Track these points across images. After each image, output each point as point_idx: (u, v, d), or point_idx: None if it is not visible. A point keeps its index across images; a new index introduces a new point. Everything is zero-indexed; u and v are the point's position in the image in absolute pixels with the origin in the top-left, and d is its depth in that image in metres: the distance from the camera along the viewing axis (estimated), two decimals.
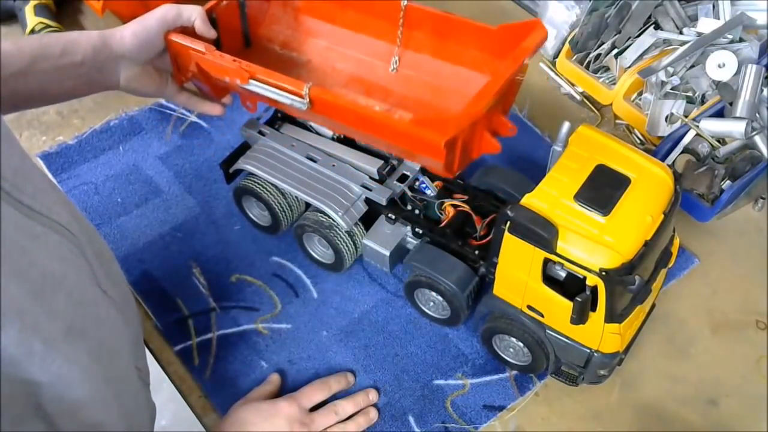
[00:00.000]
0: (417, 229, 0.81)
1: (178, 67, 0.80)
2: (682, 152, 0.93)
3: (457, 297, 0.77)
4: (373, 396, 0.77)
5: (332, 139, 0.87)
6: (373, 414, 0.76)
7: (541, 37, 0.74)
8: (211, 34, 0.79)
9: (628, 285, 0.64)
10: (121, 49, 0.75)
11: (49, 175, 0.95)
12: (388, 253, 0.81)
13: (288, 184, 0.83)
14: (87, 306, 0.49)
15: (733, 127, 0.90)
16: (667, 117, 0.96)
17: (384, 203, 0.81)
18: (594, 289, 0.65)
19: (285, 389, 0.78)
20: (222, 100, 0.86)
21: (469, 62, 0.82)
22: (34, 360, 0.42)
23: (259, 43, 0.90)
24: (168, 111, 1.02)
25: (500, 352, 0.79)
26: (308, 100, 0.72)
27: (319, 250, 0.86)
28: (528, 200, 0.67)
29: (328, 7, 0.88)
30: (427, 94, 0.84)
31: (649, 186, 0.67)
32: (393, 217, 0.82)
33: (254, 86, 0.74)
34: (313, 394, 0.76)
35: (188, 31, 0.78)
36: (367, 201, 0.82)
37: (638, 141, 1.00)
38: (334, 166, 0.84)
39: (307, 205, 0.85)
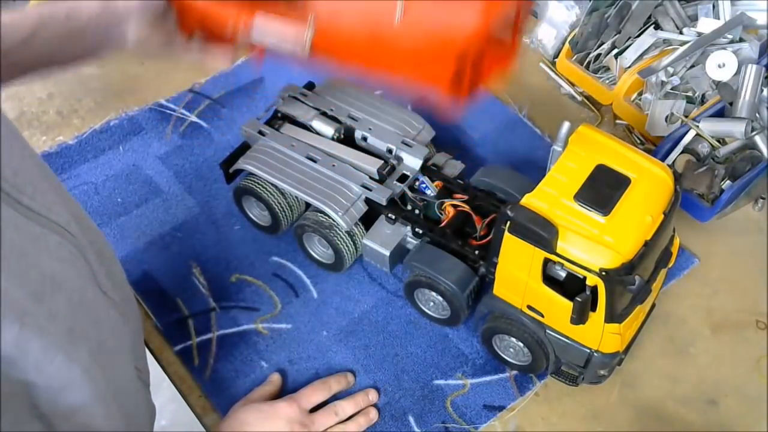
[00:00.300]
0: (417, 229, 0.81)
1: (183, 20, 0.79)
2: (682, 152, 0.93)
3: (457, 297, 0.77)
4: (373, 396, 0.77)
5: (332, 139, 0.87)
6: (373, 414, 0.76)
7: None
8: None
9: (628, 285, 0.64)
10: (127, 9, 0.73)
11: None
12: (388, 253, 0.81)
13: (288, 184, 0.83)
14: (87, 307, 0.49)
15: (733, 127, 0.90)
16: (667, 117, 0.96)
17: (384, 203, 0.81)
18: (594, 289, 0.65)
19: (285, 389, 0.78)
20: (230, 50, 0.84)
21: None
22: (32, 361, 0.42)
23: None
24: (168, 111, 1.02)
25: (500, 352, 0.79)
26: (312, 26, 0.69)
27: (319, 250, 0.86)
28: (528, 200, 0.67)
29: None
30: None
31: (649, 186, 0.67)
32: (393, 217, 0.82)
33: (257, 24, 0.72)
34: (313, 394, 0.76)
35: None
36: (367, 201, 0.82)
37: (638, 141, 1.00)
38: (334, 166, 0.84)
39: (307, 205, 0.85)
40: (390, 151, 0.85)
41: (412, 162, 0.84)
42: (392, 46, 0.70)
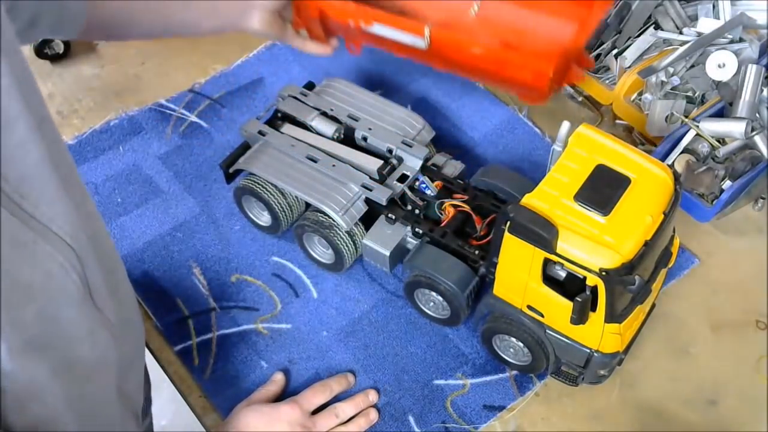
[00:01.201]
0: (417, 229, 0.81)
1: (299, 13, 0.89)
2: (682, 152, 0.93)
3: (457, 297, 0.77)
4: (372, 397, 0.78)
5: (332, 139, 0.87)
6: (374, 415, 0.76)
7: None
8: None
9: (628, 285, 0.64)
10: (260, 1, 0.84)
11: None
12: (388, 253, 0.81)
13: (288, 184, 0.83)
14: (59, 323, 0.47)
15: (733, 127, 0.90)
16: (667, 117, 0.96)
17: (384, 203, 0.81)
18: (594, 289, 0.65)
19: (285, 389, 0.78)
20: (330, 42, 0.92)
21: (551, 9, 0.84)
22: None
23: None
24: (168, 111, 1.02)
25: (500, 352, 0.79)
26: (429, 39, 0.79)
27: (319, 250, 0.86)
28: (528, 200, 0.67)
29: None
30: (510, 38, 0.85)
31: (649, 186, 0.67)
32: (393, 217, 0.82)
33: (377, 28, 0.82)
34: (314, 396, 0.76)
35: None
36: (367, 201, 0.82)
37: (638, 141, 1.00)
38: (334, 166, 0.84)
39: (307, 205, 0.85)
40: (390, 151, 0.85)
41: (412, 162, 0.84)
42: (505, 45, 0.81)
